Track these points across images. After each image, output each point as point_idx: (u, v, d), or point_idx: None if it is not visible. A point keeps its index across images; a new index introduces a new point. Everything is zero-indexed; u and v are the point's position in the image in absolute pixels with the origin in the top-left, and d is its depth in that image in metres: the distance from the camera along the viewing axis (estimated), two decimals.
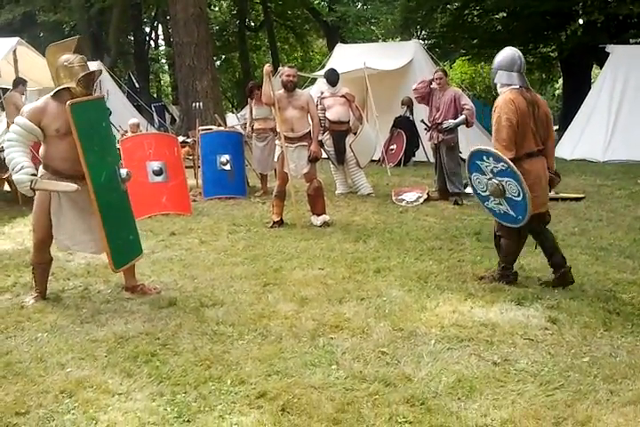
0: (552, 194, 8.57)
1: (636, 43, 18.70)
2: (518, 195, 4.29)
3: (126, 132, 10.53)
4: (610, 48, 13.93)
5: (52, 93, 4.25)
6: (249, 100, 9.33)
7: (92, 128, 4.28)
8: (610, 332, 3.77)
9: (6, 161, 4.22)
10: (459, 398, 3.00)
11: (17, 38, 10.82)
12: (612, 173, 11.00)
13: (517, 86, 4.50)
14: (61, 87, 4.21)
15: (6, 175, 8.49)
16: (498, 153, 4.31)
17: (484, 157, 4.41)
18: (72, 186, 4.12)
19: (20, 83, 9.57)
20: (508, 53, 4.59)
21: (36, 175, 4.13)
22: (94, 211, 4.21)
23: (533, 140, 4.50)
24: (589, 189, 9.34)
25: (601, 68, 15.14)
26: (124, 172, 4.47)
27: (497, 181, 4.37)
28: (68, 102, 4.07)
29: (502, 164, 4.29)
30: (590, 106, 13.78)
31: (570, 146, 13.80)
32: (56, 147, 4.21)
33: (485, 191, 4.52)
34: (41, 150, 4.34)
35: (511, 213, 4.43)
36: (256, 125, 9.00)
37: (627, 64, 13.35)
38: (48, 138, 4.23)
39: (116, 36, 23.40)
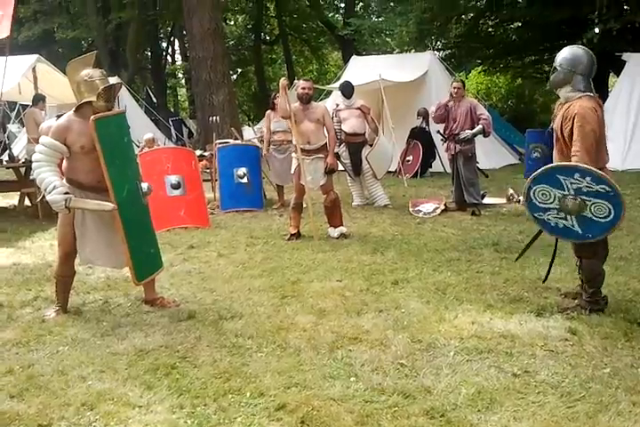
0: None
1: None
2: (606, 217, 3.99)
3: (144, 147, 10.63)
4: (626, 56, 13.89)
5: (73, 109, 4.31)
6: (270, 111, 9.24)
7: (114, 143, 4.34)
8: (631, 342, 3.74)
9: (37, 181, 4.27)
10: (479, 411, 2.98)
11: (36, 55, 11.00)
12: (631, 181, 10.90)
13: (592, 94, 4.21)
14: (83, 101, 4.27)
15: (29, 190, 8.62)
16: (602, 175, 3.98)
17: (578, 175, 4.00)
18: (107, 205, 4.17)
19: (39, 99, 9.73)
20: (587, 57, 4.21)
21: (69, 193, 4.18)
22: (117, 225, 4.26)
23: (606, 151, 4.32)
24: None
25: (618, 77, 15.08)
26: (145, 186, 4.52)
27: (579, 200, 4.01)
28: (91, 118, 4.13)
29: (603, 186, 3.96)
30: (607, 114, 13.63)
31: None
32: (81, 161, 4.27)
33: (550, 204, 4.13)
34: (64, 165, 4.40)
35: (576, 229, 4.09)
36: (275, 137, 9.04)
37: None
38: (72, 154, 4.28)
39: (133, 51, 23.72)
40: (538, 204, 4.22)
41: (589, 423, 2.86)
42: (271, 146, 9.13)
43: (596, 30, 17.25)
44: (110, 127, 4.31)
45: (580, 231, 4.10)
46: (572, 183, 4.04)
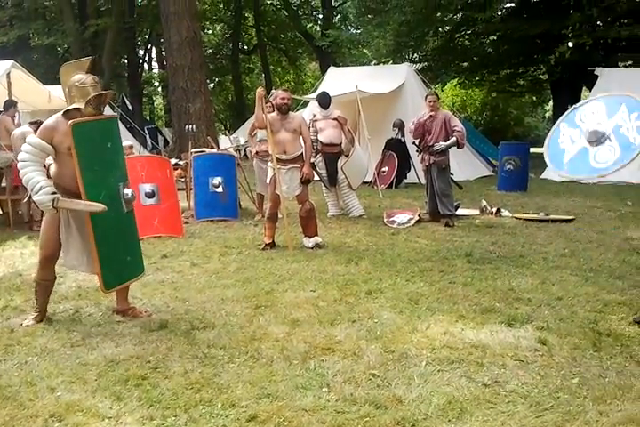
0: (542, 215, 8.70)
1: (624, 66, 19.02)
2: None
3: None
4: (598, 71, 14.17)
5: (62, 112, 4.29)
6: None
7: (94, 147, 4.30)
8: (599, 353, 3.79)
9: (23, 181, 4.23)
10: (449, 420, 3.00)
11: (11, 61, 10.88)
12: (601, 194, 11.10)
13: None
14: (70, 107, 4.26)
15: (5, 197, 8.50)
16: None
17: None
18: (97, 205, 4.14)
19: (10, 105, 9.57)
20: None
21: (56, 193, 4.14)
22: (88, 229, 4.22)
23: None
24: (579, 210, 9.42)
25: (590, 91, 15.36)
26: (128, 192, 4.47)
27: None
28: (69, 122, 4.12)
29: None
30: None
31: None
32: (67, 165, 4.22)
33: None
34: (52, 170, 4.37)
35: None
36: (262, 147, 8.68)
37: (615, 86, 13.55)
38: (59, 156, 4.26)
39: (110, 58, 23.58)
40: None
41: None
42: (257, 156, 8.97)
43: (570, 45, 17.59)
44: (91, 132, 4.29)
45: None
46: None
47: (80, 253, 4.36)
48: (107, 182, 4.36)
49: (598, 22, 18.32)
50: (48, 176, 4.34)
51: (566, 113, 3.79)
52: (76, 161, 4.13)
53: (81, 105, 4.24)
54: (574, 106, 3.80)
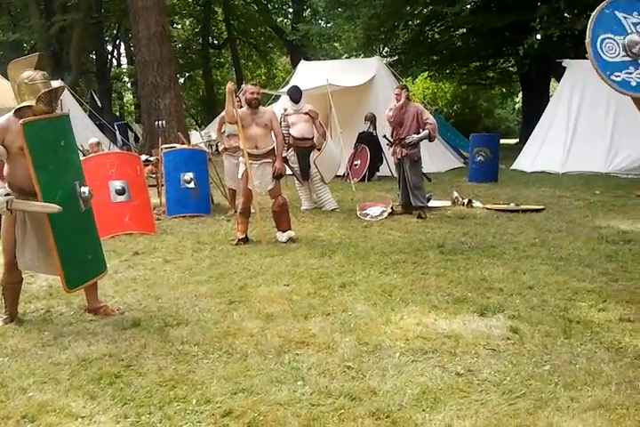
0: (512, 206, 8.80)
1: None
2: None
3: (87, 151, 10.43)
4: (566, 62, 14.33)
5: (12, 111, 4.21)
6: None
7: (47, 147, 4.22)
8: (570, 340, 3.85)
9: None
10: (423, 410, 3.03)
11: None
12: (570, 184, 11.26)
13: None
14: (22, 105, 4.18)
15: None
16: None
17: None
18: (52, 206, 4.07)
19: None
20: None
21: (10, 195, 4.07)
22: (46, 229, 4.17)
23: None
24: (549, 200, 9.54)
25: (558, 82, 15.53)
26: (85, 190, 4.41)
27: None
28: (20, 121, 4.04)
29: None
30: (548, 119, 14.12)
31: (529, 158, 14.12)
32: (20, 165, 4.14)
33: (620, 56, 4.03)
34: (5, 169, 4.28)
35: None
36: (231, 142, 8.73)
37: (583, 78, 13.70)
38: (11, 156, 4.18)
39: (77, 54, 23.26)
40: (609, 59, 4.07)
41: (530, 420, 2.93)
42: (226, 151, 8.96)
43: (538, 37, 17.73)
44: (42, 131, 4.20)
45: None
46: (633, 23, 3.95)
47: (36, 254, 4.28)
48: (62, 181, 4.28)
49: (566, 14, 18.48)
50: (1, 176, 4.26)
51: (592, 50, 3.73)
52: (29, 161, 4.04)
53: (32, 102, 4.15)
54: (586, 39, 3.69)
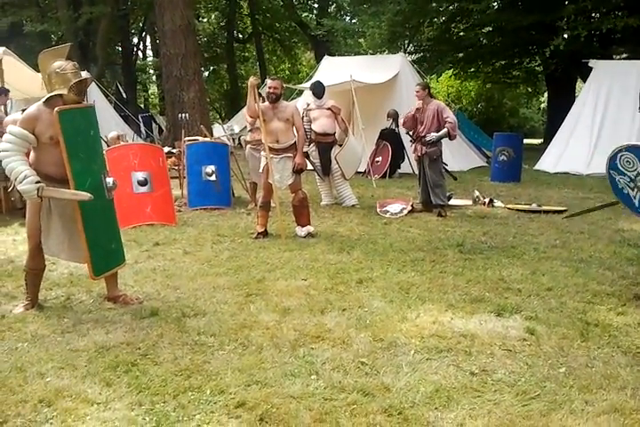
0: (534, 206, 8.73)
1: (619, 58, 19.02)
2: None
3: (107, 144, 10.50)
4: (593, 63, 14.16)
5: (43, 100, 4.26)
6: None
7: (80, 136, 4.30)
8: (587, 343, 3.82)
9: (6, 171, 4.19)
10: (436, 408, 3.03)
11: (3, 48, 10.81)
12: (594, 186, 11.14)
13: None
14: (53, 94, 4.23)
15: None
16: None
17: None
18: (83, 194, 4.12)
19: (1, 93, 9.52)
20: None
21: (40, 182, 4.13)
22: (76, 217, 4.23)
23: None
24: (572, 201, 9.45)
25: (584, 83, 15.36)
26: (110, 180, 4.48)
27: None
28: (55, 109, 4.10)
29: None
30: (574, 120, 13.97)
31: (554, 159, 13.99)
32: (49, 152, 4.21)
33: (629, 172, 4.59)
34: (31, 156, 4.34)
35: (635, 202, 4.62)
36: (255, 136, 8.62)
37: (609, 78, 13.57)
38: (40, 145, 4.23)
39: (104, 46, 23.44)
40: (619, 166, 4.66)
41: (543, 421, 2.92)
42: (250, 144, 8.95)
43: (564, 36, 17.55)
44: (75, 120, 4.27)
45: (636, 205, 4.65)
46: None
47: (60, 241, 4.35)
48: (91, 171, 4.36)
49: (593, 14, 18.27)
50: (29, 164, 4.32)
51: (607, 161, 4.04)
52: (63, 149, 4.11)
53: (63, 91, 4.21)
54: (610, 155, 3.93)
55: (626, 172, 4.58)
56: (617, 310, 4.41)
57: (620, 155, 4.62)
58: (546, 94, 28.50)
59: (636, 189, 4.52)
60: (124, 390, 3.23)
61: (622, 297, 4.71)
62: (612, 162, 4.66)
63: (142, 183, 7.68)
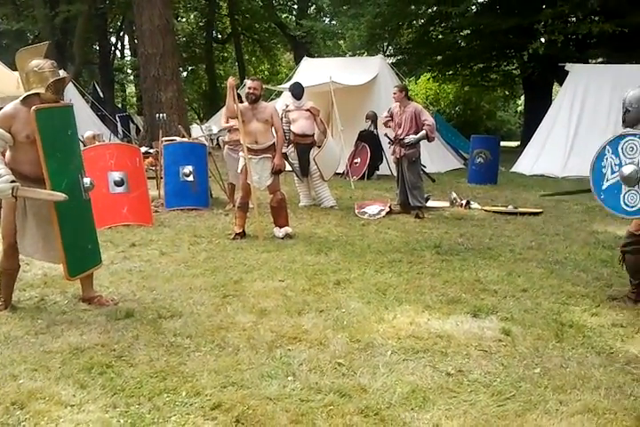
0: (511, 208, 8.80)
1: (595, 62, 19.27)
2: (633, 206, 4.33)
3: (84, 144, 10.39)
4: (569, 66, 14.33)
5: (20, 98, 4.21)
6: None
7: (57, 135, 4.26)
8: (561, 344, 3.86)
9: None
10: (412, 409, 3.03)
11: None
12: (569, 188, 11.24)
13: None
14: (30, 92, 4.19)
15: None
16: None
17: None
18: (58, 194, 4.07)
19: None
20: None
21: (15, 182, 4.07)
22: (52, 217, 4.18)
23: None
24: (547, 203, 9.55)
25: (561, 86, 15.53)
26: (87, 180, 4.44)
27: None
28: (32, 108, 4.05)
29: None
30: (550, 123, 14.12)
31: (530, 162, 14.12)
32: (25, 152, 4.16)
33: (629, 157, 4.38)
34: (7, 155, 4.28)
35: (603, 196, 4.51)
36: (233, 137, 8.58)
37: (585, 82, 13.74)
38: (17, 144, 4.18)
39: (81, 45, 23.19)
40: (619, 147, 4.38)
41: (518, 421, 2.94)
42: (228, 145, 8.93)
43: (542, 40, 17.74)
44: (53, 119, 4.23)
45: (602, 188, 4.52)
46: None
47: (35, 241, 4.31)
48: (68, 170, 4.31)
49: (570, 18, 18.50)
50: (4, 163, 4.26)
51: (611, 138, 3.86)
52: (40, 148, 4.06)
53: (41, 90, 4.17)
54: (620, 134, 3.86)
55: (621, 155, 4.38)
56: (591, 311, 4.46)
57: (628, 138, 4.37)
58: (523, 97, 28.76)
59: (616, 174, 4.39)
60: (99, 391, 3.19)
61: (596, 298, 4.76)
62: (615, 140, 4.44)
63: (119, 183, 7.61)
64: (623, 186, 4.36)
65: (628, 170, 4.31)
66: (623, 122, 4.59)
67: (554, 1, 17.44)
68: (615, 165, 4.41)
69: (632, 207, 4.33)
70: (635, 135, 4.33)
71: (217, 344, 3.82)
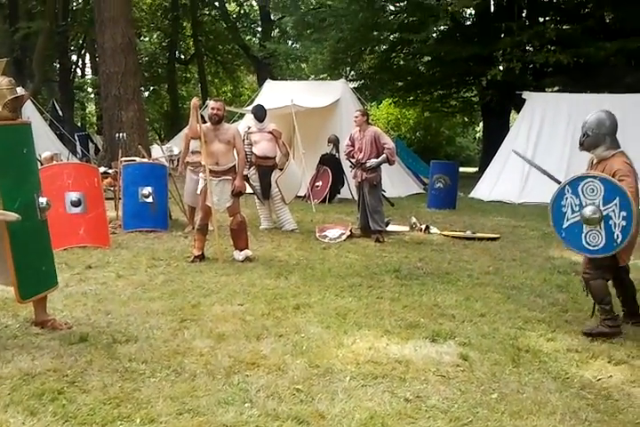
0: (469, 233, 8.92)
1: (551, 91, 19.83)
2: (595, 246, 4.43)
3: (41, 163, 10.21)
4: (526, 95, 14.72)
5: None
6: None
7: (10, 153, 4.16)
8: (518, 368, 3.89)
9: None
10: None
11: None
12: (526, 214, 11.47)
13: (622, 149, 4.61)
14: None
15: None
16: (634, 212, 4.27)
17: (617, 200, 4.35)
18: (10, 215, 3.96)
19: None
20: (611, 118, 4.64)
21: None
22: (4, 238, 4.07)
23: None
24: (504, 229, 9.70)
25: (518, 113, 15.91)
26: (43, 200, 4.34)
27: (599, 216, 4.38)
28: None
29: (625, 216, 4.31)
30: (507, 149, 14.36)
31: (488, 187, 14.37)
32: None
33: (589, 200, 4.45)
34: None
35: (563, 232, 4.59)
36: (194, 158, 8.54)
37: (541, 110, 14.12)
38: None
39: (41, 62, 22.90)
40: (579, 188, 4.48)
41: None
42: (189, 166, 8.86)
43: (500, 68, 18.20)
44: (7, 137, 4.14)
45: (563, 226, 4.59)
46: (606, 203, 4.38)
47: None
48: (22, 190, 4.21)
49: (527, 47, 19.04)
50: None
51: (571, 178, 3.90)
52: None
53: None
54: (580, 175, 3.89)
55: (581, 196, 4.47)
56: (547, 336, 4.51)
57: (588, 180, 4.47)
58: (481, 124, 29.35)
59: (577, 215, 4.48)
60: (50, 419, 3.09)
61: (552, 323, 4.83)
62: (575, 181, 4.53)
63: (76, 204, 7.48)
64: (584, 226, 4.46)
65: (589, 211, 4.40)
66: (580, 145, 4.72)
67: (512, 30, 17.96)
68: (575, 205, 4.50)
69: (594, 246, 4.44)
70: (594, 177, 4.44)
71: (173, 370, 3.75)
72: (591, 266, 4.60)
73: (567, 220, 4.57)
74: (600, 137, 4.57)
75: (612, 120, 4.62)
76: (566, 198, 4.56)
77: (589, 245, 4.47)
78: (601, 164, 4.61)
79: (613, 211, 4.33)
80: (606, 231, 4.37)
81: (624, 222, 4.29)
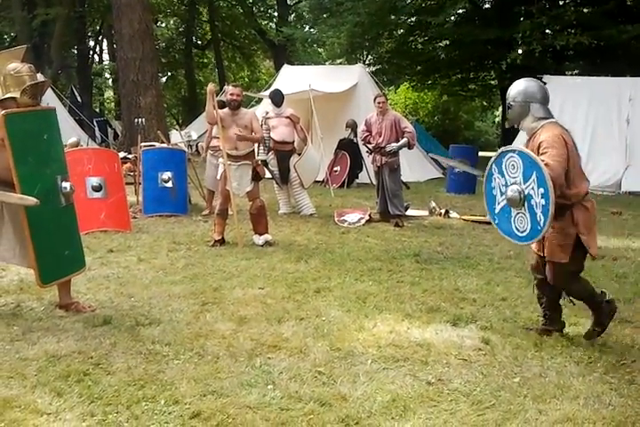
0: (489, 218, 8.84)
1: (571, 74, 19.57)
2: (523, 231, 3.87)
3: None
4: (546, 78, 14.48)
5: None
6: None
7: (30, 140, 4.19)
8: (540, 353, 3.88)
9: None
10: (392, 418, 3.03)
11: None
12: None
13: (554, 120, 4.05)
14: (5, 97, 4.13)
15: None
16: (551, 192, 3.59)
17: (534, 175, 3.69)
18: (29, 199, 4.01)
19: None
20: (537, 85, 4.12)
21: None
22: (23, 223, 4.11)
23: (584, 178, 4.02)
24: None
25: None
26: (67, 185, 4.37)
27: (521, 195, 3.79)
28: (2, 113, 3.99)
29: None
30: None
31: None
32: (1, 156, 4.10)
33: (510, 178, 3.86)
34: None
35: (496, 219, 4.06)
36: (214, 143, 8.65)
37: (562, 94, 13.90)
38: None
39: (59, 48, 22.98)
40: (502, 165, 3.92)
41: None
42: (210, 150, 8.93)
43: (519, 51, 17.96)
44: (26, 123, 4.17)
45: (496, 211, 4.07)
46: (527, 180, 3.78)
47: (12, 245, 4.24)
48: (42, 175, 4.24)
49: (547, 30, 18.76)
50: None
51: (495, 156, 3.54)
52: (9, 153, 4.00)
53: (16, 94, 4.13)
54: (500, 151, 3.58)
55: (506, 175, 3.88)
56: (569, 321, 4.48)
57: (509, 155, 3.87)
58: (500, 108, 29.05)
59: (504, 197, 3.91)
60: (76, 400, 3.14)
61: (574, 308, 4.78)
62: (498, 159, 3.95)
63: (97, 189, 7.54)
64: (512, 209, 3.90)
65: (510, 191, 3.85)
66: (507, 120, 4.25)
67: (532, 13, 17.69)
68: (502, 185, 3.94)
69: (522, 232, 3.89)
70: (513, 151, 3.88)
71: (196, 352, 3.79)
72: (556, 273, 3.99)
73: (497, 203, 4.02)
74: (525, 106, 4.00)
75: (538, 87, 4.09)
76: (495, 179, 4.01)
77: (518, 230, 3.91)
78: (532, 139, 4.01)
79: (533, 188, 3.71)
80: (530, 213, 3.77)
81: (543, 201, 3.64)
